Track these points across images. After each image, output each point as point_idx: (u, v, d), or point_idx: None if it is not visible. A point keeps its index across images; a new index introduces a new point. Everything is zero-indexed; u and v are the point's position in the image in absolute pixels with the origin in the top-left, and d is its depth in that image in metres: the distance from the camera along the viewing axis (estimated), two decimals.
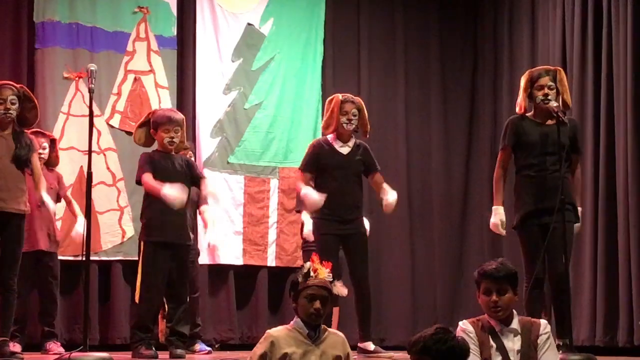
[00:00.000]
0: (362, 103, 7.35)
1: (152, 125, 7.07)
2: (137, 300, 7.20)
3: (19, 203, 6.60)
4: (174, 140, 7.00)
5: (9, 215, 6.55)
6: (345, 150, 7.28)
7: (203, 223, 7.83)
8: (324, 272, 5.18)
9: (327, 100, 7.58)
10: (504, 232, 6.81)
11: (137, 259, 7.20)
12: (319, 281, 5.16)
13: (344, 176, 7.32)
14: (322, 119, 7.70)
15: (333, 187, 7.21)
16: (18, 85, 6.72)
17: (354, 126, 7.28)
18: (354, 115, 7.24)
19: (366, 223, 7.62)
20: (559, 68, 7.10)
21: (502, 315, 4.89)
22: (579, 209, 6.90)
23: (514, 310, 4.94)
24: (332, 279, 5.22)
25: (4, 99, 6.52)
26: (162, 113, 7.31)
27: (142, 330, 6.97)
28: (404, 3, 10.47)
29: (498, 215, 6.75)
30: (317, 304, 5.10)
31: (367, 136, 7.41)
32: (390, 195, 7.35)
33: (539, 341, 4.96)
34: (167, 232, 6.99)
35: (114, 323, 9.07)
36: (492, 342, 4.94)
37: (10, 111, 6.54)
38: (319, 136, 8.23)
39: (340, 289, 5.18)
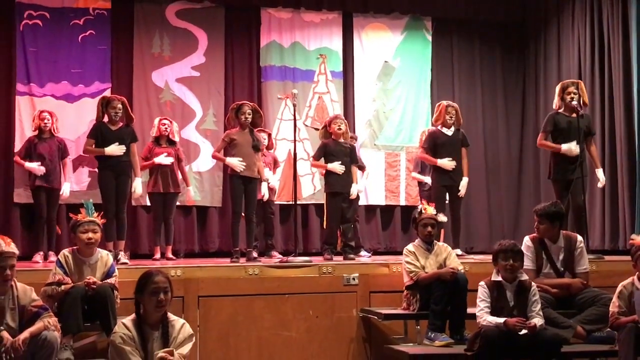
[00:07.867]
0: (458, 107, 7.82)
1: (327, 124, 7.72)
2: (325, 227, 7.85)
3: (254, 172, 7.38)
4: (341, 127, 7.47)
5: (249, 179, 7.32)
6: (449, 132, 7.70)
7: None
8: (430, 210, 5.43)
9: (436, 105, 8.08)
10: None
11: (324, 202, 7.59)
12: (427, 215, 5.41)
13: (452, 151, 7.58)
14: (432, 117, 8.00)
15: (443, 155, 7.52)
16: (251, 104, 7.61)
17: (453, 120, 7.75)
18: (454, 114, 7.69)
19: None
20: (579, 81, 7.48)
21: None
22: (599, 169, 7.13)
23: (561, 232, 5.21)
24: (436, 213, 5.46)
25: (243, 112, 7.37)
26: (332, 116, 8.13)
27: (328, 243, 7.52)
28: (480, 45, 10.88)
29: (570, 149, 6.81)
30: (429, 229, 5.32)
31: (460, 126, 7.83)
32: None
33: (575, 253, 5.16)
34: (337, 185, 7.42)
35: (311, 239, 9.83)
36: (543, 255, 5.12)
37: (248, 120, 7.46)
38: (429, 128, 8.34)
39: (442, 218, 5.66)
